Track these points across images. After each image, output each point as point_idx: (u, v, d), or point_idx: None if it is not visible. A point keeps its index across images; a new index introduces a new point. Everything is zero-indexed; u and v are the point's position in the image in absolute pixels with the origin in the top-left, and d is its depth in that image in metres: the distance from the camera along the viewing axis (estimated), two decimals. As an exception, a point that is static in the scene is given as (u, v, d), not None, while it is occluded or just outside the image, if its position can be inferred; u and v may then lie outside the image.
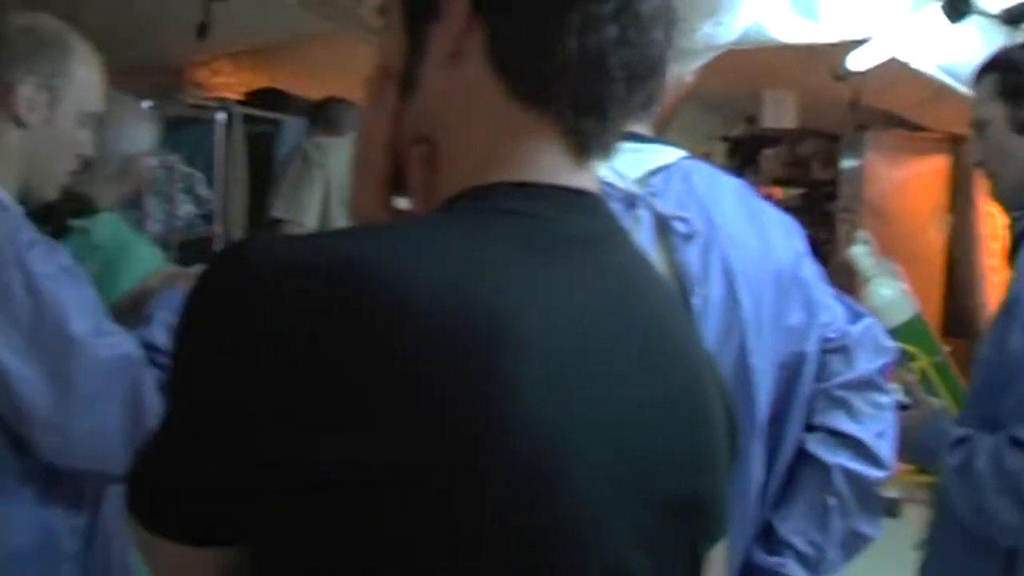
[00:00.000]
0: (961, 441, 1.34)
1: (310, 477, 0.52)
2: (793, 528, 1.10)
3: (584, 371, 0.57)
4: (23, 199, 1.31)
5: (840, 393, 1.11)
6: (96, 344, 1.18)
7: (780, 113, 5.07)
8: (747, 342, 1.04)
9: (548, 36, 0.60)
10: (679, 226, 1.05)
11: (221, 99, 3.18)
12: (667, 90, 1.02)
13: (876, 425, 1.12)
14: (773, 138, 5.63)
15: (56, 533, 1.27)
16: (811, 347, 1.09)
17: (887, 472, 1.12)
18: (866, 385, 1.12)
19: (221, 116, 2.95)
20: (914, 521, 2.31)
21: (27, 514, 1.24)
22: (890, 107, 4.24)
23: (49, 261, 1.20)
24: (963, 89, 2.62)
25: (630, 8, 0.61)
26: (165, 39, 2.92)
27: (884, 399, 1.13)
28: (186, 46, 3.02)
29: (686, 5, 0.93)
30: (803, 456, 1.11)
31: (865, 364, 1.12)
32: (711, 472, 0.65)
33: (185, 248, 3.27)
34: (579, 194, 0.64)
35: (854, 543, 1.12)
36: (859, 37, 2.77)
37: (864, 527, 1.12)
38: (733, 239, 1.06)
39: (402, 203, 0.69)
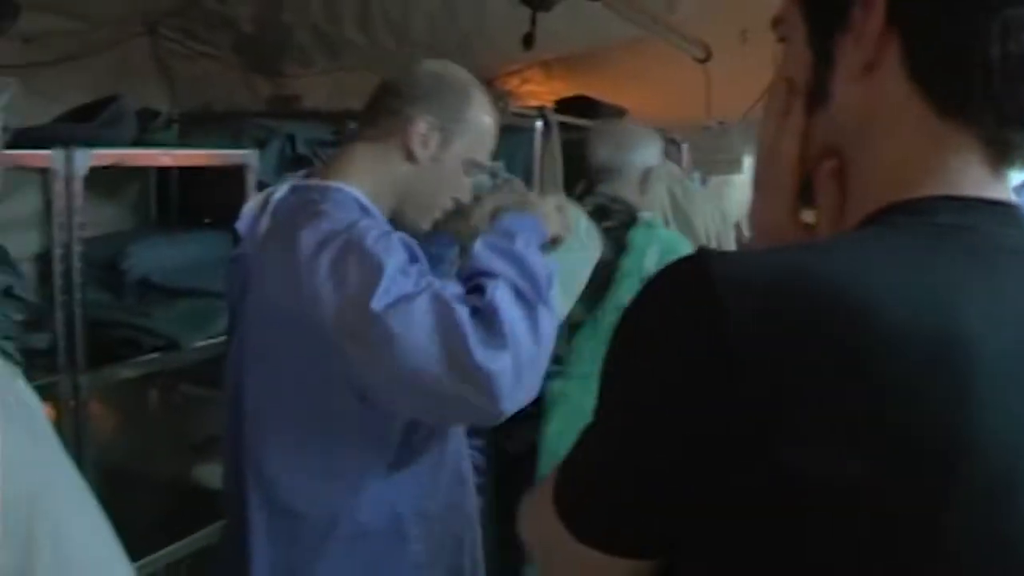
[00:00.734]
0: None
1: (772, 491, 0.53)
2: None
3: None
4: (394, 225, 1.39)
5: None
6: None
7: None
8: None
9: (969, 44, 0.58)
10: None
11: (539, 107, 3.28)
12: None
13: None
14: None
15: (402, 516, 1.37)
16: None
17: None
18: None
19: (539, 124, 3.03)
20: None
21: (377, 494, 1.35)
22: None
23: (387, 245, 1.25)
24: None
25: None
26: (486, 51, 3.05)
27: None
28: (503, 56, 3.14)
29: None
30: None
31: None
32: None
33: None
34: (1003, 205, 0.61)
35: None
36: None
37: None
38: None
39: (807, 216, 0.68)
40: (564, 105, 3.98)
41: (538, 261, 1.31)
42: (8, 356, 1.68)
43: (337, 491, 1.35)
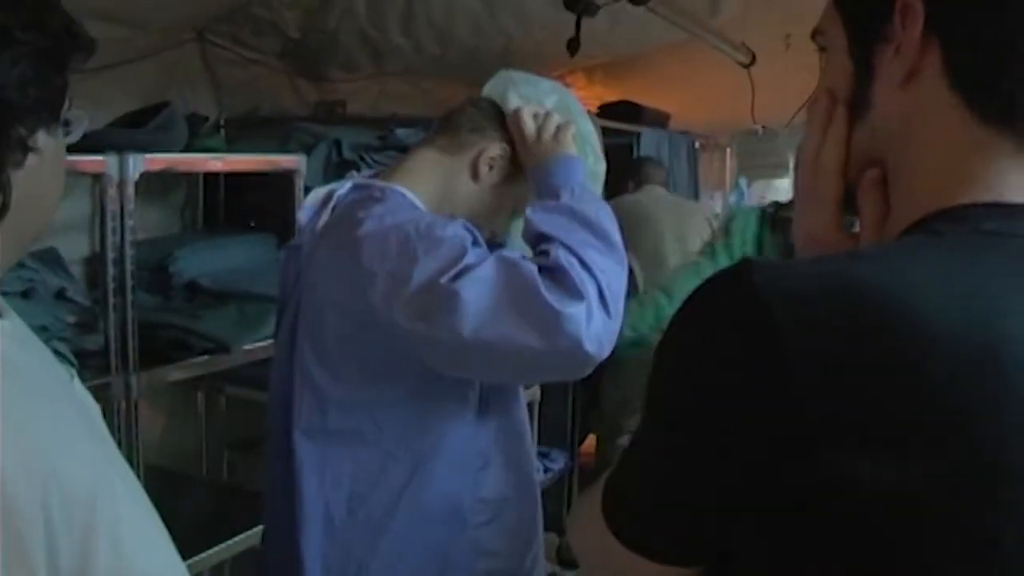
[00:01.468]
0: None
1: (821, 495, 0.53)
2: None
3: None
4: None
5: None
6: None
7: None
8: None
9: (1010, 51, 0.58)
10: None
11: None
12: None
13: None
14: None
15: (462, 505, 1.40)
16: None
17: None
18: None
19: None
20: None
21: (440, 481, 1.37)
22: None
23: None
24: None
25: None
26: (529, 56, 3.05)
27: None
28: (546, 61, 3.14)
29: None
30: None
31: None
32: None
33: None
34: None
35: None
36: None
37: None
38: None
39: (852, 226, 0.69)
40: (608, 109, 3.98)
41: (589, 207, 1.33)
42: (63, 357, 1.71)
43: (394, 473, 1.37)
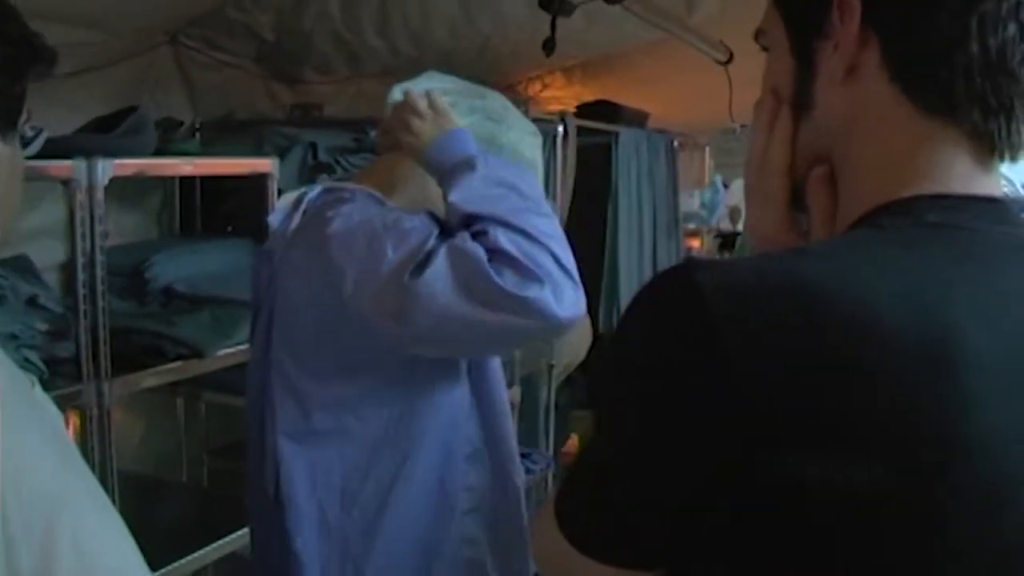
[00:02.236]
0: None
1: (773, 498, 0.53)
2: None
3: None
4: None
5: None
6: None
7: None
8: None
9: (948, 41, 0.58)
10: None
11: (560, 112, 3.29)
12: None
13: None
14: None
15: (451, 492, 1.41)
16: None
17: None
18: None
19: (559, 128, 3.04)
20: None
21: (428, 470, 1.38)
22: None
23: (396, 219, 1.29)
24: None
25: None
26: (505, 56, 3.05)
27: None
28: (523, 62, 3.14)
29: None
30: None
31: None
32: None
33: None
34: (992, 202, 0.61)
35: None
36: None
37: None
38: None
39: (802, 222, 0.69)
40: (586, 109, 3.97)
41: (504, 170, 1.32)
42: (32, 365, 1.70)
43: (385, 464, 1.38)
